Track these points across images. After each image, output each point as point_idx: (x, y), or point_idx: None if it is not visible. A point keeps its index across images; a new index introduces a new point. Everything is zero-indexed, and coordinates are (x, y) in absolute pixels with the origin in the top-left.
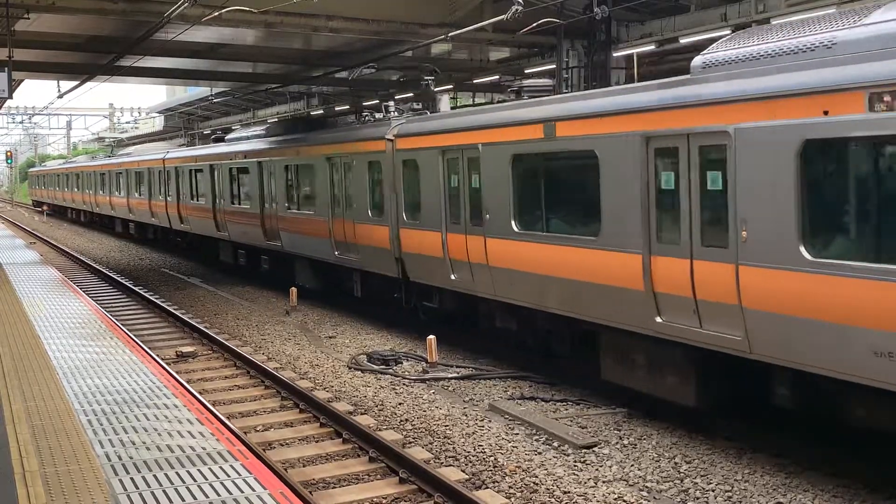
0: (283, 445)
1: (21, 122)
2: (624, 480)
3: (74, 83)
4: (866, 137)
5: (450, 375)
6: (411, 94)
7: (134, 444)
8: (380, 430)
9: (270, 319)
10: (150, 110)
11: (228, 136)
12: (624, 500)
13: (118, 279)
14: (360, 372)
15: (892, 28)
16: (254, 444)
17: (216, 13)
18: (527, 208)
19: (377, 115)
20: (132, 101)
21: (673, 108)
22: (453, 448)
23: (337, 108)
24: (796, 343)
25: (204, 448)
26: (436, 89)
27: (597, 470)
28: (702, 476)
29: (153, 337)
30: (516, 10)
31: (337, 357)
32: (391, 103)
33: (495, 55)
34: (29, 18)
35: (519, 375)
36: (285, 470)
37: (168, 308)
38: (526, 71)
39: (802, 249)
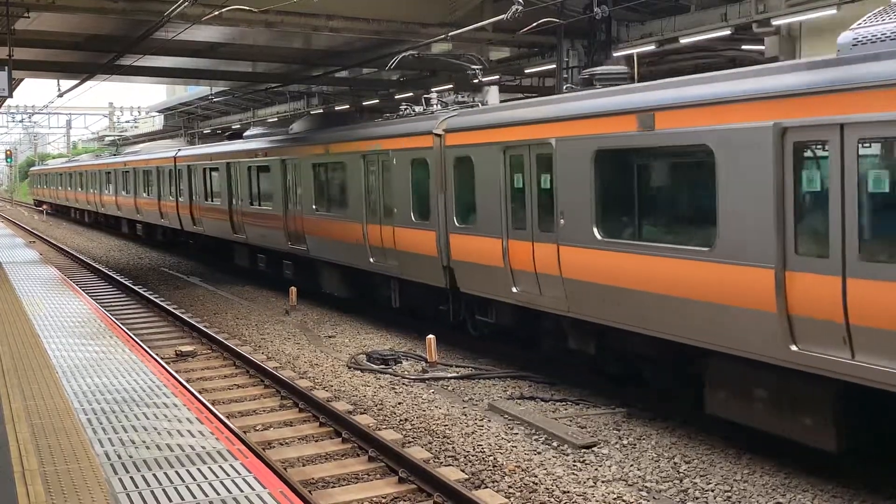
0: (282, 445)
1: (21, 121)
2: (623, 480)
3: (74, 82)
4: None
5: (449, 375)
6: (449, 87)
7: (133, 442)
8: (379, 429)
9: (270, 319)
10: (150, 109)
11: (247, 133)
12: (623, 500)
13: (118, 278)
14: (359, 371)
15: None
16: (253, 444)
17: (216, 12)
18: (614, 213)
19: (416, 109)
20: (132, 101)
21: (824, 94)
22: (453, 448)
23: (365, 104)
24: None
25: (203, 447)
26: (484, 79)
27: (596, 470)
28: (701, 476)
29: (153, 336)
30: (516, 9)
31: (336, 356)
32: (433, 95)
33: (495, 55)
34: (29, 17)
35: (518, 375)
36: (285, 469)
37: (167, 307)
38: (526, 71)
39: None
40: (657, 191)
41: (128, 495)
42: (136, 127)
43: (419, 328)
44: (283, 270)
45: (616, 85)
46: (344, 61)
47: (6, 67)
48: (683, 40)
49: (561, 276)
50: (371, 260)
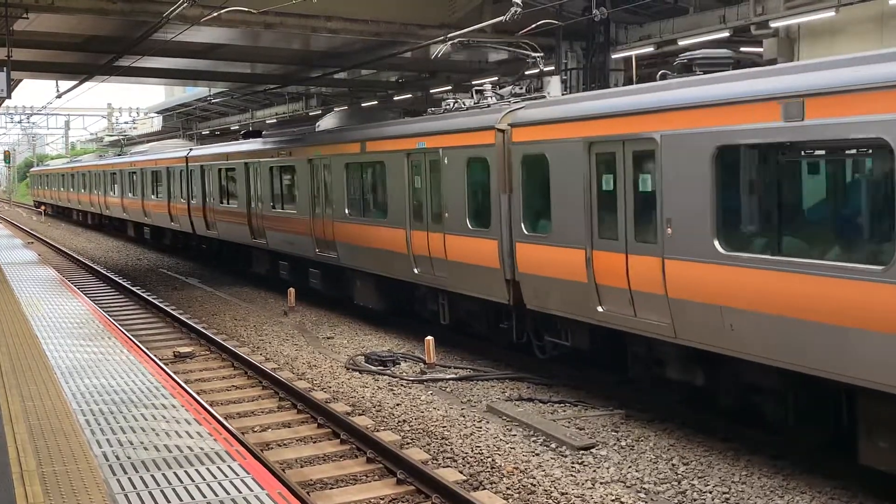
0: (280, 446)
1: (19, 122)
2: (621, 482)
3: (73, 83)
4: None
5: (448, 376)
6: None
7: (132, 443)
8: (378, 430)
9: (268, 320)
10: (149, 110)
11: (268, 131)
12: (621, 502)
13: (116, 279)
14: (357, 373)
15: None
16: (251, 445)
17: (215, 14)
18: (742, 222)
19: (466, 102)
20: (131, 102)
21: None
22: (451, 449)
23: (396, 98)
24: None
25: (202, 448)
26: (545, 69)
27: (594, 471)
28: (699, 478)
29: (151, 337)
30: (515, 11)
31: (335, 358)
32: (487, 86)
33: (494, 56)
34: (28, 18)
35: (517, 377)
36: (283, 470)
37: (166, 308)
38: (525, 72)
39: None
40: (805, 195)
41: (126, 496)
42: (134, 128)
43: (418, 330)
44: (308, 279)
45: (720, 70)
46: (343, 62)
47: (5, 68)
48: (682, 42)
49: (666, 295)
50: (415, 270)
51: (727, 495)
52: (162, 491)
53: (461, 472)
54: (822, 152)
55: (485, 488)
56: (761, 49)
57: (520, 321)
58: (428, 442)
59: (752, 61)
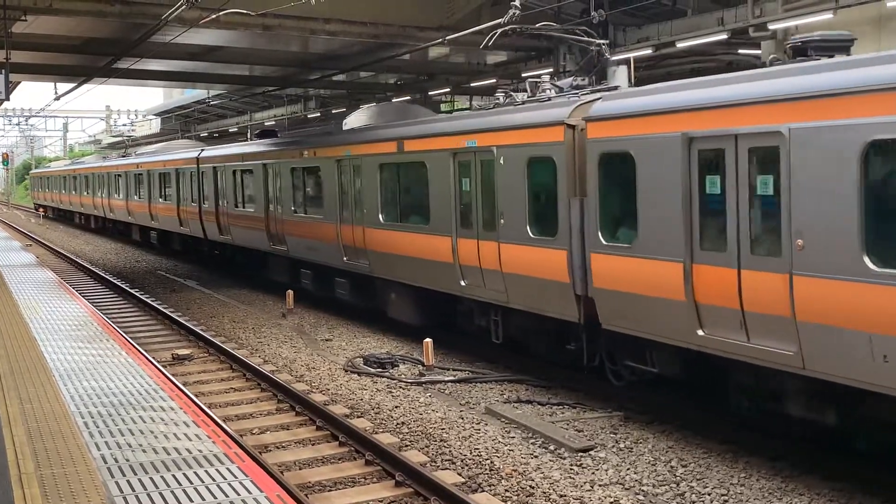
0: (279, 448)
1: (17, 125)
2: (620, 484)
3: (71, 85)
4: None
5: (446, 378)
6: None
7: (130, 446)
8: (376, 433)
9: (267, 322)
10: (147, 113)
11: (288, 131)
12: None
13: (114, 281)
14: (356, 375)
15: None
16: (250, 447)
17: (213, 16)
18: None
19: (519, 96)
20: (129, 104)
21: None
22: (450, 451)
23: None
24: None
25: (200, 450)
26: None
27: (593, 473)
28: (698, 480)
29: (149, 339)
30: (514, 13)
31: (333, 360)
32: (545, 77)
33: (492, 59)
34: (26, 20)
35: (515, 379)
36: (281, 473)
37: (164, 311)
38: (523, 74)
39: None
40: None
41: (124, 499)
42: (133, 130)
43: (416, 332)
44: (334, 289)
45: (840, 54)
46: (341, 65)
47: (3, 70)
48: (680, 44)
49: (793, 318)
50: (462, 283)
51: (726, 497)
52: (160, 493)
53: (460, 475)
54: None
55: (483, 490)
56: (759, 51)
57: (591, 342)
58: (426, 444)
59: (751, 63)
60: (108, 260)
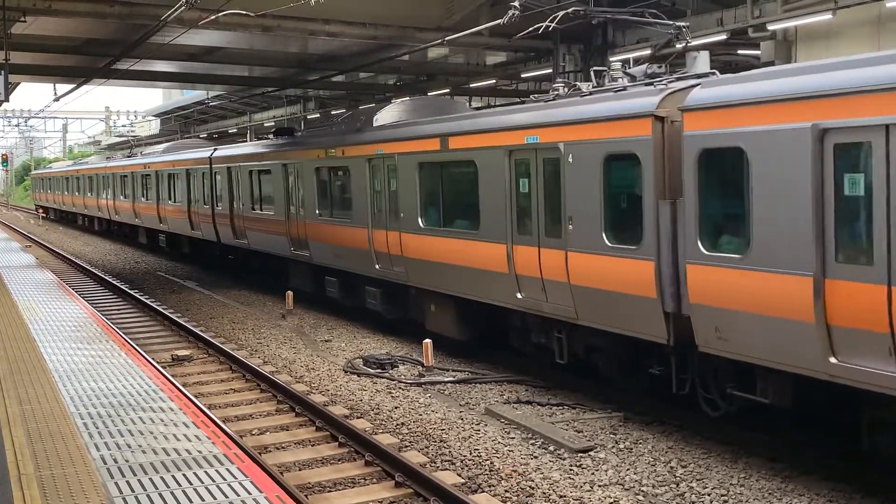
0: (278, 449)
1: (17, 125)
2: (620, 485)
3: (71, 86)
4: None
5: (446, 379)
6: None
7: (130, 447)
8: (376, 433)
9: (266, 323)
10: (147, 113)
11: (307, 127)
12: None
13: (114, 282)
14: (356, 376)
15: None
16: (250, 448)
17: (213, 17)
18: None
19: (584, 86)
20: (129, 105)
21: None
22: (449, 452)
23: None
24: None
25: (200, 451)
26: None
27: (593, 474)
28: (697, 480)
29: (149, 340)
30: (513, 14)
31: (333, 361)
32: (617, 64)
33: (492, 59)
34: (25, 21)
35: (515, 379)
36: (281, 473)
37: (164, 311)
38: (522, 75)
39: None
40: None
41: (124, 499)
42: (132, 131)
43: (416, 333)
44: (364, 299)
45: None
46: (341, 65)
47: (2, 71)
48: (679, 45)
49: None
50: (519, 295)
51: (725, 497)
52: (160, 494)
53: (459, 475)
54: None
55: (483, 491)
56: (758, 52)
57: (684, 366)
58: (426, 445)
59: (750, 64)
60: (108, 261)
